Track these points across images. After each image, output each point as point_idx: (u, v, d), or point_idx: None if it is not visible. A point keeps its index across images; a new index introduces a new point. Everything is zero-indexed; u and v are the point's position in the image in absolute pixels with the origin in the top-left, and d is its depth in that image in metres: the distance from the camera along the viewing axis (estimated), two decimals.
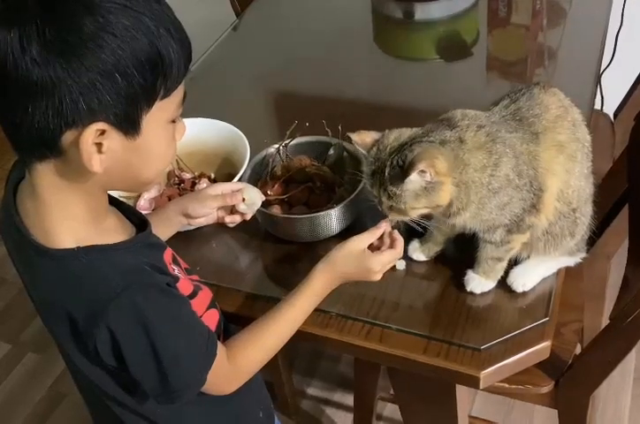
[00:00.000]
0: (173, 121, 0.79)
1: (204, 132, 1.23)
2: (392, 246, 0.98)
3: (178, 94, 0.76)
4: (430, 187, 0.91)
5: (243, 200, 1.04)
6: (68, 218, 0.78)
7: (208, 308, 0.92)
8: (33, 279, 0.84)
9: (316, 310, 0.98)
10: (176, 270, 0.88)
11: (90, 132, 0.70)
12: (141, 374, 0.80)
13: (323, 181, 1.14)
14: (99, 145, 0.72)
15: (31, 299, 0.89)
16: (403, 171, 0.89)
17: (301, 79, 1.56)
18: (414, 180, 0.90)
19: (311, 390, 1.84)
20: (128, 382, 0.84)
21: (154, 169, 0.80)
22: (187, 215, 1.05)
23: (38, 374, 1.97)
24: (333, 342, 1.00)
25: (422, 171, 0.89)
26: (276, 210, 1.11)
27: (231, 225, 1.08)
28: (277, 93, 1.57)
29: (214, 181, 1.23)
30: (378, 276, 0.98)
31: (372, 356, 1.00)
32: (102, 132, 0.71)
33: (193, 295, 0.88)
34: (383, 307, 1.02)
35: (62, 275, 0.77)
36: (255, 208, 1.06)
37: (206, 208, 1.05)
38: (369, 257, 0.96)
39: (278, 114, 1.49)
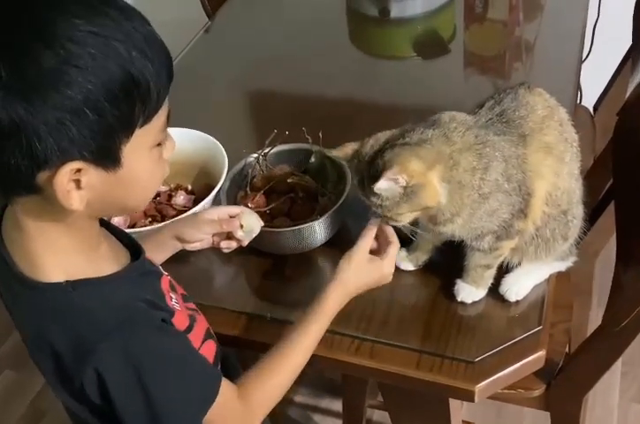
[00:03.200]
0: (159, 144, 0.74)
1: (179, 143, 1.12)
2: (387, 240, 0.96)
3: (160, 116, 0.71)
4: (409, 191, 0.88)
5: (241, 226, 0.99)
6: (55, 250, 0.74)
7: (204, 340, 0.87)
8: (19, 311, 0.79)
9: None
10: (173, 299, 0.84)
11: (64, 173, 0.65)
12: (130, 420, 0.76)
13: (306, 191, 1.10)
14: (77, 181, 0.67)
15: (18, 329, 0.84)
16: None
17: (278, 82, 1.52)
18: (387, 188, 0.87)
19: (298, 397, 1.81)
20: (115, 422, 0.79)
21: (140, 196, 0.76)
22: (182, 240, 1.01)
23: (17, 392, 1.91)
24: (322, 359, 0.97)
25: (394, 179, 0.86)
26: None
27: (226, 251, 1.03)
28: (253, 97, 1.53)
29: (191, 193, 1.19)
30: (390, 278, 0.96)
31: (363, 372, 0.98)
32: (79, 170, 0.66)
33: (188, 329, 0.84)
34: (372, 321, 0.99)
35: (48, 310, 0.73)
36: (253, 236, 1.01)
37: (201, 233, 1.00)
38: (379, 264, 0.94)
39: (255, 120, 1.45)
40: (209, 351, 0.87)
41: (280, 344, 0.89)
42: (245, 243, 1.01)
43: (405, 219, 0.92)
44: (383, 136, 0.93)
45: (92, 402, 0.75)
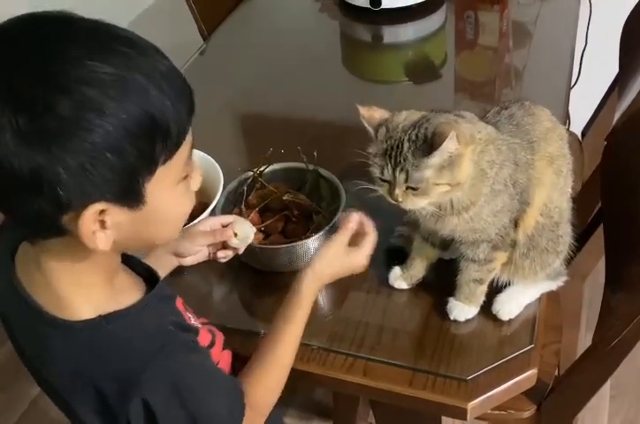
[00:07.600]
0: (185, 177, 0.72)
1: None
2: (364, 232, 0.96)
3: (182, 151, 0.68)
4: (453, 159, 0.87)
5: (235, 234, 1.00)
6: (82, 287, 0.73)
7: (222, 350, 0.89)
8: (47, 354, 0.76)
9: None
10: (192, 318, 0.84)
11: (88, 216, 0.64)
12: None
13: (300, 209, 1.11)
14: (102, 221, 0.66)
15: (30, 368, 0.83)
16: (432, 141, 0.85)
17: (272, 104, 1.54)
18: (444, 149, 0.85)
19: (287, 419, 1.79)
20: None
21: (168, 231, 0.75)
22: (178, 255, 1.01)
23: (0, 413, 1.87)
24: (315, 377, 0.97)
25: (454, 141, 0.85)
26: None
27: (223, 260, 1.03)
28: (247, 118, 1.54)
29: None
30: (363, 268, 0.97)
31: (356, 390, 0.97)
32: (102, 211, 0.65)
33: (211, 344, 0.85)
34: (365, 339, 0.99)
35: (86, 347, 0.72)
36: (249, 242, 1.01)
37: (196, 245, 1.00)
38: (354, 256, 0.94)
39: (249, 140, 1.47)
40: (227, 359, 0.89)
41: (266, 342, 0.90)
42: (241, 250, 1.02)
43: (433, 194, 0.89)
44: (416, 112, 0.93)
45: None
